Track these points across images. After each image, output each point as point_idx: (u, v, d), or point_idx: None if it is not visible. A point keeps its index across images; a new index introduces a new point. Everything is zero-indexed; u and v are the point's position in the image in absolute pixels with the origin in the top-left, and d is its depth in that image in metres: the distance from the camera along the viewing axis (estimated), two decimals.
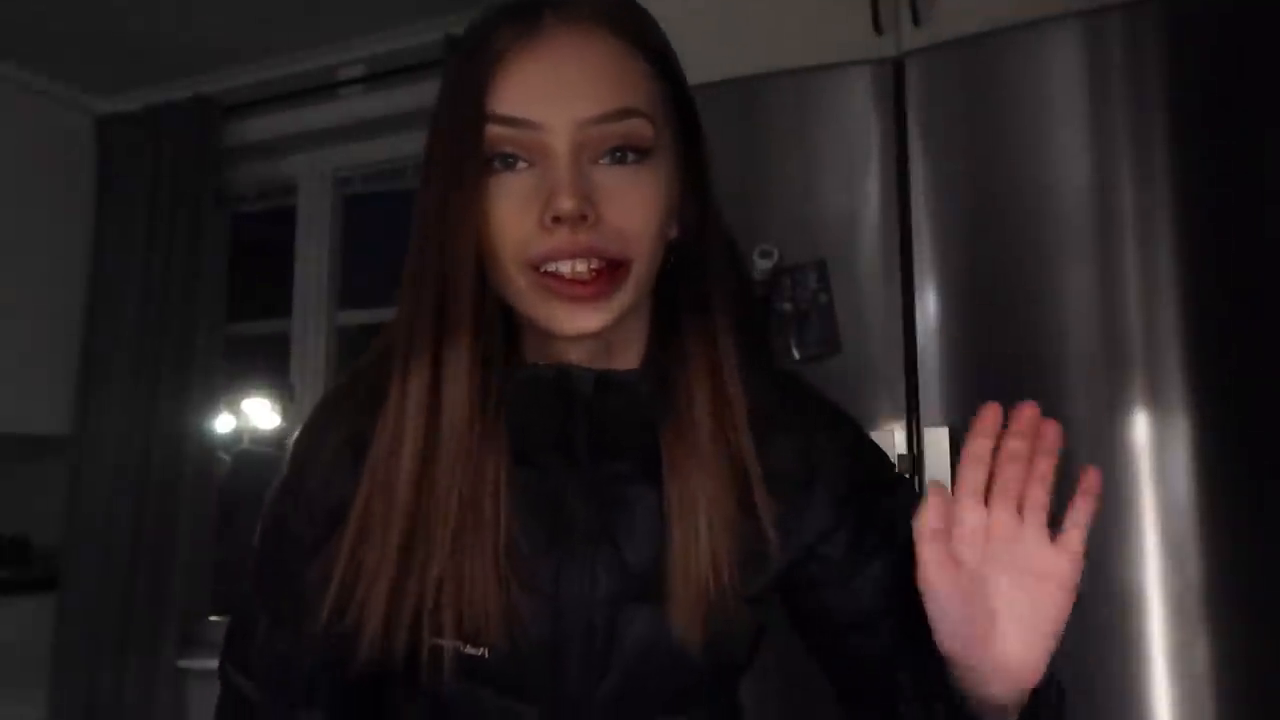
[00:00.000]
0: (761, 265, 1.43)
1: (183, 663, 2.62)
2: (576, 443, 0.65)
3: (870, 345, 1.37)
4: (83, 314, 2.87)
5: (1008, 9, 1.36)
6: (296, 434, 0.73)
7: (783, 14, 1.61)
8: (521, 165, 0.59)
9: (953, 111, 1.37)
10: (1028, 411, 0.56)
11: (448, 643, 0.62)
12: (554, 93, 0.58)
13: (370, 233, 2.93)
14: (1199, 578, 1.14)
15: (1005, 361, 1.29)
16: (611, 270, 0.58)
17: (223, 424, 2.93)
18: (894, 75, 1.42)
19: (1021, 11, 1.34)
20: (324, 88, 2.72)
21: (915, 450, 1.33)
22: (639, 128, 0.59)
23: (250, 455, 3.58)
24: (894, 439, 1.33)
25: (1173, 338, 1.19)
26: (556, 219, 0.56)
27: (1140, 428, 1.19)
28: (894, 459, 1.32)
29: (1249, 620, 1.13)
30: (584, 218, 0.56)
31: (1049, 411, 0.56)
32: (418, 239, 0.62)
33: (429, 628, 0.62)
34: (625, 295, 0.60)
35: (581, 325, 0.59)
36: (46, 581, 2.75)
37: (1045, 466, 0.56)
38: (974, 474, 0.57)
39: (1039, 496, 0.57)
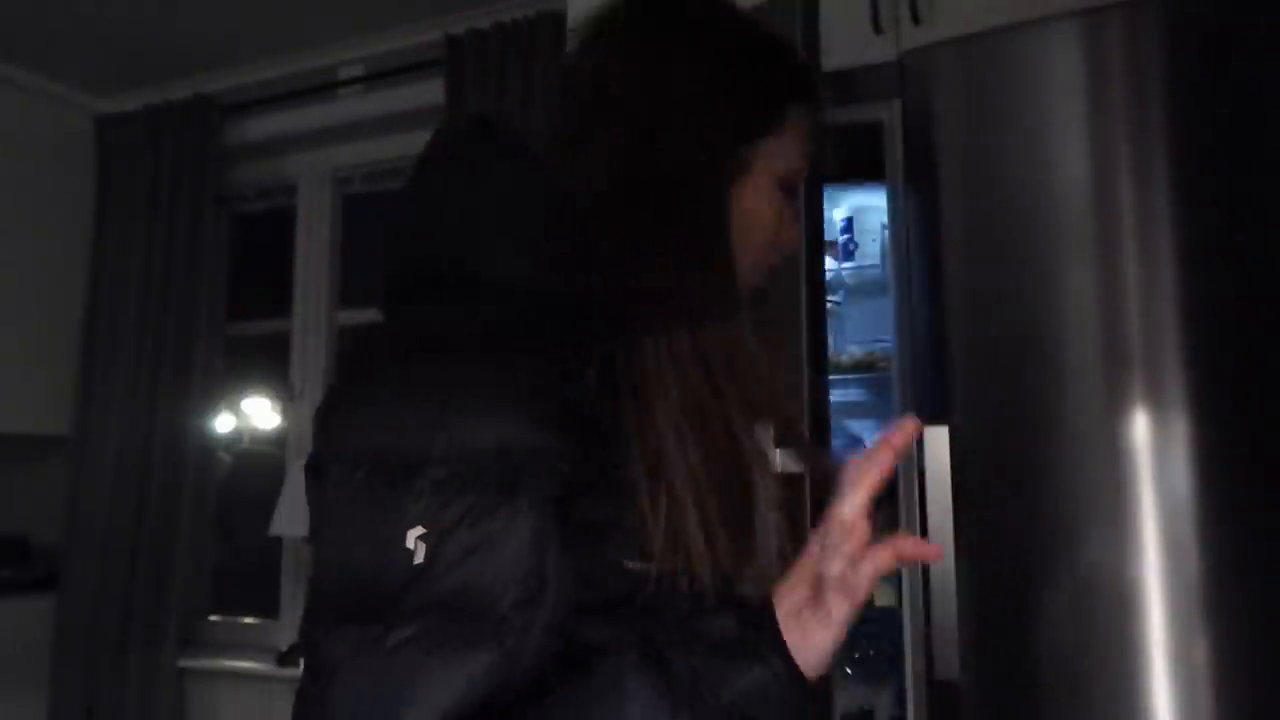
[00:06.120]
0: None
1: (183, 663, 2.62)
2: None
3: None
4: (83, 314, 2.87)
5: (1007, 9, 1.36)
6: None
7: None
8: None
9: (953, 111, 1.37)
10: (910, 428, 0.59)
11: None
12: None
13: (370, 233, 2.93)
14: (1199, 578, 1.14)
15: (1005, 361, 1.29)
16: None
17: (223, 424, 2.93)
18: (894, 74, 1.42)
19: (1021, 11, 1.34)
20: (324, 88, 2.73)
21: (915, 450, 1.33)
22: None
23: (250, 455, 3.58)
24: None
25: (1173, 338, 1.19)
26: (795, 232, 0.72)
27: (1140, 428, 1.19)
28: None
29: (1249, 620, 1.13)
30: None
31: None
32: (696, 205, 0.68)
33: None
34: None
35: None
36: (46, 581, 2.75)
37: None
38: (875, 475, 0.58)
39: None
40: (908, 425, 0.58)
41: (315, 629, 0.55)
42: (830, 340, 2.00)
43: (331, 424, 0.58)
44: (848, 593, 0.56)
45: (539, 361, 0.57)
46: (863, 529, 0.56)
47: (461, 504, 0.52)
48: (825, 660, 0.56)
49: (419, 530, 0.52)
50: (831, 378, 1.99)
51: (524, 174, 0.65)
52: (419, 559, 0.52)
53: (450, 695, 0.51)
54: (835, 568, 0.56)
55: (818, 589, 0.57)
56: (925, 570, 1.28)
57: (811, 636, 0.56)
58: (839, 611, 0.56)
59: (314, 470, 0.58)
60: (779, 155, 0.69)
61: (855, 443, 1.99)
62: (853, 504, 0.57)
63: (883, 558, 0.56)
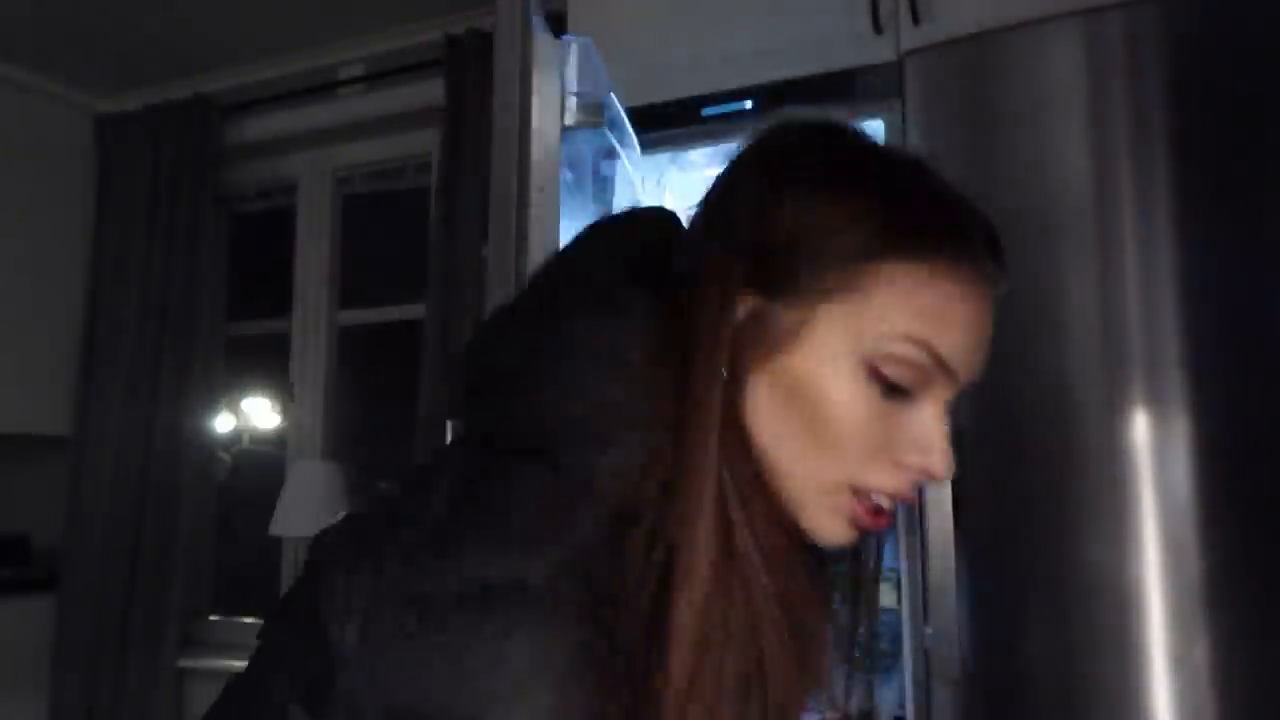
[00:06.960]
0: None
1: (183, 663, 2.62)
2: None
3: None
4: (83, 314, 2.87)
5: (1008, 8, 1.36)
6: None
7: (781, 13, 1.61)
8: (897, 392, 0.53)
9: (952, 111, 1.37)
10: None
11: None
12: (974, 355, 0.56)
13: (370, 233, 2.93)
14: (1199, 578, 1.14)
15: (1005, 361, 1.29)
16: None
17: (223, 424, 2.93)
18: (894, 75, 1.42)
19: (1021, 11, 1.34)
20: (324, 88, 2.73)
21: None
22: None
23: (250, 455, 3.57)
24: None
25: (1173, 338, 1.19)
26: (923, 470, 0.53)
27: (1140, 427, 1.19)
28: None
29: (1249, 620, 1.13)
30: None
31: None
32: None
33: None
34: None
35: (844, 541, 0.55)
36: (46, 581, 2.75)
37: None
38: None
39: None
40: None
41: None
42: None
43: (367, 651, 0.46)
44: None
45: (597, 623, 0.45)
46: None
47: None
48: None
49: None
50: None
51: (632, 321, 0.53)
52: None
53: None
54: None
55: None
56: (925, 570, 1.28)
57: None
58: None
59: (317, 692, 0.48)
60: (859, 326, 0.51)
61: None
62: None
63: None
